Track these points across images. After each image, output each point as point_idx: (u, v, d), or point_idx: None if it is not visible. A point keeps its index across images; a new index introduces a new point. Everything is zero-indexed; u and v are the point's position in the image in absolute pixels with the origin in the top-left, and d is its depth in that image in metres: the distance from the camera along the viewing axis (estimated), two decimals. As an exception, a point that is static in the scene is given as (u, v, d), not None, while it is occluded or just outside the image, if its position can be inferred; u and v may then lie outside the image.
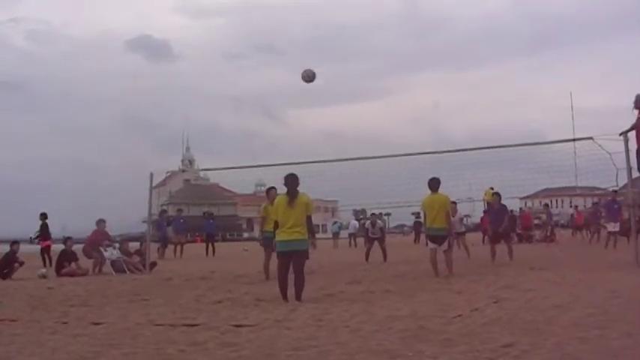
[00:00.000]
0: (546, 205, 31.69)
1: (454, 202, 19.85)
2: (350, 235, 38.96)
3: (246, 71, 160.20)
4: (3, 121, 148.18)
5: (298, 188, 9.77)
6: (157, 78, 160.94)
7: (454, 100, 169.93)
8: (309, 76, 13.52)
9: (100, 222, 18.69)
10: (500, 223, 16.81)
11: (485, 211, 27.15)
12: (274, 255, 11.62)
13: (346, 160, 19.06)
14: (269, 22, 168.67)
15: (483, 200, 30.23)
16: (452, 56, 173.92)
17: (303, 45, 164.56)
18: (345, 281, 12.24)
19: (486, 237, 27.31)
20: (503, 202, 17.74)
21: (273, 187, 13.56)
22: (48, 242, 20.89)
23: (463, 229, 19.21)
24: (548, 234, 28.25)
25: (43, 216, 21.35)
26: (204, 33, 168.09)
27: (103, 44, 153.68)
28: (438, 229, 12.99)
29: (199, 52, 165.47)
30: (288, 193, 9.78)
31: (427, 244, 13.56)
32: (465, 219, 21.33)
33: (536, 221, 35.35)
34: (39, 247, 21.16)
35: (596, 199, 34.38)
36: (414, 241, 37.15)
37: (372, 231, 19.37)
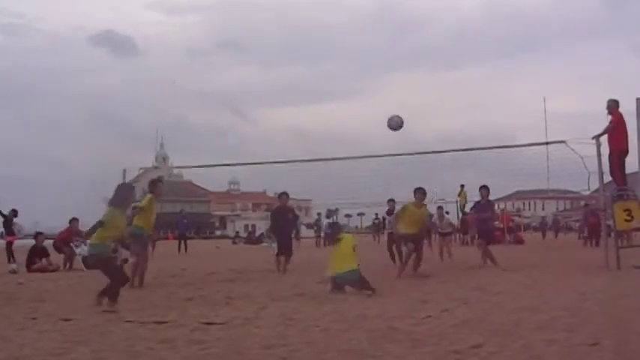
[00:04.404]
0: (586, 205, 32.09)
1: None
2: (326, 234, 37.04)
3: (214, 69, 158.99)
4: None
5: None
6: (124, 74, 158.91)
7: (426, 102, 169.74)
8: (395, 125, 13.55)
9: (73, 220, 18.66)
10: None
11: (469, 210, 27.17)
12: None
13: (319, 160, 19.02)
14: (237, 21, 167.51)
15: (457, 201, 30.55)
16: (425, 58, 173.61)
17: (272, 44, 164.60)
18: (316, 280, 12.22)
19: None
20: (473, 204, 17.64)
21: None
22: (10, 238, 20.54)
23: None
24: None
25: (13, 212, 21.13)
26: (170, 30, 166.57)
27: (69, 38, 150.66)
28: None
29: (166, 49, 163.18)
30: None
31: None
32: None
33: (510, 223, 35.76)
34: (4, 242, 20.96)
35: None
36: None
37: (440, 226, 18.10)
